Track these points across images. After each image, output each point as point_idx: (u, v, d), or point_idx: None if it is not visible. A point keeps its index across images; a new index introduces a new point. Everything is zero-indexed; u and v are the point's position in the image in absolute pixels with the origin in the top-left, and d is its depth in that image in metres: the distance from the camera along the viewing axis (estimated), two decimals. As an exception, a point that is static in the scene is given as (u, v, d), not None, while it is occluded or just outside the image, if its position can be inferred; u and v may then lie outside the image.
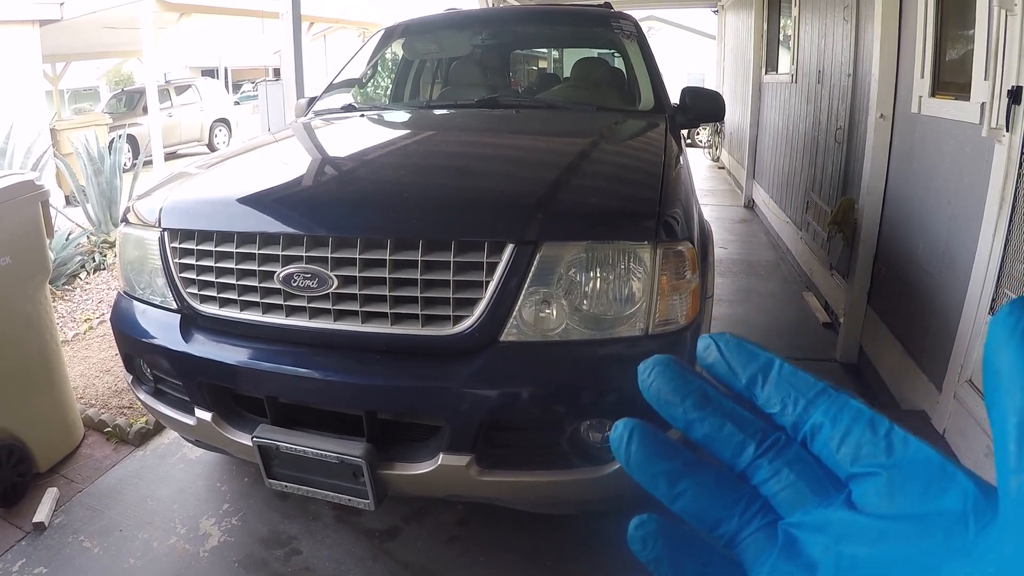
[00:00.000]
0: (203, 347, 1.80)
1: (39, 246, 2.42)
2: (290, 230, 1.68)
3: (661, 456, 0.28)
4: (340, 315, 1.66)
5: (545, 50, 8.48)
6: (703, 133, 12.56)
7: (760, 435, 0.27)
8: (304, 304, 1.68)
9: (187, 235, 1.81)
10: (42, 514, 2.24)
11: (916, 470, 0.24)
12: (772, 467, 0.27)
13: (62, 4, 8.41)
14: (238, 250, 1.72)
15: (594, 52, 4.14)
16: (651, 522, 0.28)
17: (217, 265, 1.76)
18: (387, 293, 1.60)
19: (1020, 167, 2.08)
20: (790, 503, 0.27)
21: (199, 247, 1.78)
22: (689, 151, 3.81)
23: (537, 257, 1.57)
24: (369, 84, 3.62)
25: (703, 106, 2.87)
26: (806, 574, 0.25)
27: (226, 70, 23.44)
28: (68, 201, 7.76)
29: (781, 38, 6.60)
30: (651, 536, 0.28)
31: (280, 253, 1.67)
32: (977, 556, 0.22)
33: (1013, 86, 2.05)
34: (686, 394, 0.28)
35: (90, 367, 3.36)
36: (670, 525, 0.28)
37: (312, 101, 3.25)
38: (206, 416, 1.83)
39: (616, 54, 3.65)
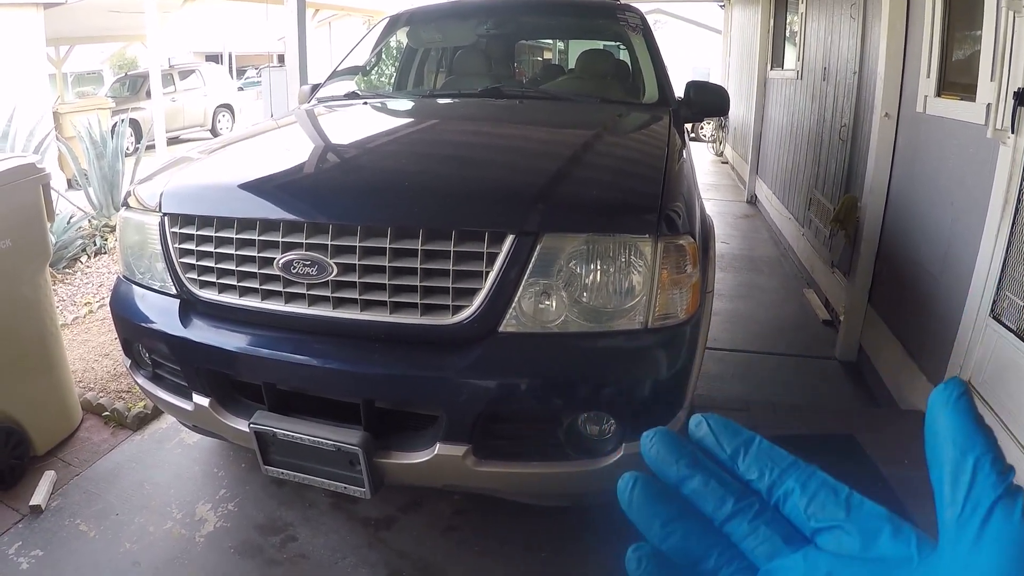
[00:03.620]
0: (202, 333, 1.80)
1: (40, 229, 2.41)
2: (290, 217, 1.68)
3: (659, 502, 0.33)
4: (339, 303, 1.66)
5: (550, 41, 8.44)
6: (707, 127, 12.52)
7: (738, 493, 0.33)
8: (303, 291, 1.68)
9: (187, 220, 1.81)
10: (39, 497, 2.25)
11: (868, 523, 0.30)
12: (751, 525, 0.32)
13: (67, -13, 8.37)
14: (238, 236, 1.71)
15: (599, 44, 4.12)
16: (646, 547, 0.34)
17: (217, 251, 1.75)
18: (386, 282, 1.60)
19: (1024, 168, 2.07)
20: (767, 554, 0.32)
21: (199, 232, 1.78)
22: (693, 145, 3.80)
23: (537, 248, 1.56)
24: (373, 72, 3.61)
25: (707, 100, 2.85)
26: None
27: (230, 55, 23.34)
28: (70, 184, 7.74)
29: (787, 34, 6.57)
30: (645, 558, 0.33)
31: (280, 240, 1.66)
32: None
33: (1019, 88, 2.04)
34: (680, 456, 0.34)
35: (89, 351, 3.36)
36: (661, 553, 0.33)
37: (316, 88, 3.23)
38: (204, 402, 1.83)
39: (621, 46, 3.64)
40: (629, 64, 3.35)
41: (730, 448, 0.33)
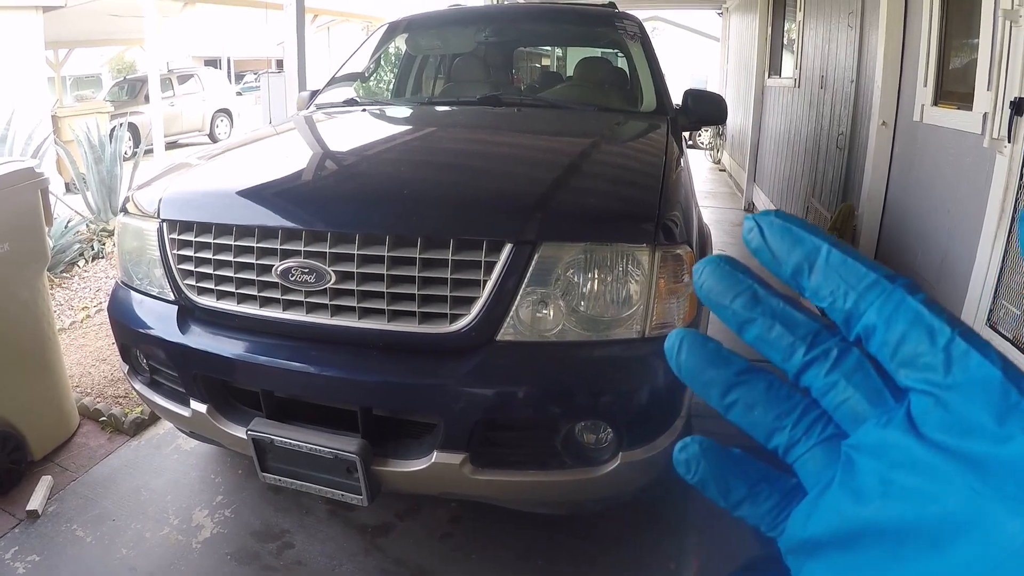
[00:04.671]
0: (199, 339, 1.80)
1: (38, 233, 2.41)
2: (289, 224, 1.68)
3: (712, 365, 0.27)
4: (337, 310, 1.66)
5: (548, 48, 8.47)
6: (705, 135, 12.55)
7: (811, 338, 0.25)
8: (301, 299, 1.68)
9: (186, 226, 1.81)
10: (36, 502, 2.24)
11: (975, 394, 0.20)
12: (828, 380, 0.24)
13: (66, -9, 8.38)
14: (236, 243, 1.72)
15: (597, 52, 4.13)
16: (693, 444, 0.27)
17: (215, 257, 1.76)
18: (384, 290, 1.60)
19: (1021, 178, 2.08)
20: (851, 418, 0.24)
21: (197, 239, 1.78)
22: (690, 153, 3.81)
23: (535, 257, 1.57)
24: (372, 78, 3.61)
25: (705, 109, 2.87)
26: (854, 502, 0.23)
27: (229, 60, 23.39)
28: (68, 189, 7.74)
29: (785, 42, 6.59)
30: (694, 458, 0.27)
31: (278, 247, 1.66)
32: None
33: (1016, 97, 2.06)
34: (736, 293, 0.26)
35: (86, 356, 3.36)
36: (714, 447, 0.27)
37: (314, 94, 3.24)
38: (201, 408, 1.83)
39: (619, 54, 3.66)
40: (627, 72, 3.36)
41: (790, 265, 0.24)
